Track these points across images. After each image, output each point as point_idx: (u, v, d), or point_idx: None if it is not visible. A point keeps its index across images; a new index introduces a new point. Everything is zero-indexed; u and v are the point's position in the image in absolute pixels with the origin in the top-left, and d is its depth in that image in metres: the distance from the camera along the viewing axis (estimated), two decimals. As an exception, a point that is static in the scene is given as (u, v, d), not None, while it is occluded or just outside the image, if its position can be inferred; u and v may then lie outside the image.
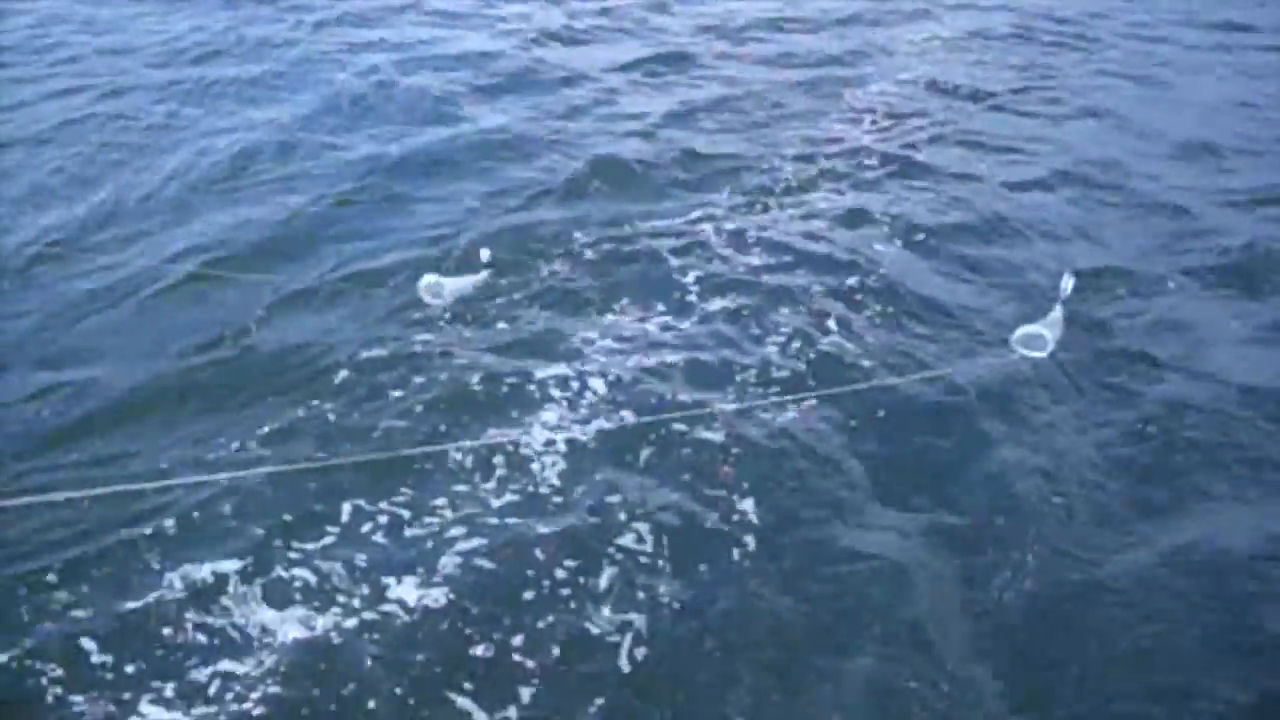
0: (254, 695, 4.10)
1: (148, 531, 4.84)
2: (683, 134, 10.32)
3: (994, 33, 14.81)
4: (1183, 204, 9.17)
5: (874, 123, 10.84)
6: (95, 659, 4.22)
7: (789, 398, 5.97)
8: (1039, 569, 4.98)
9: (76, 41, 12.68)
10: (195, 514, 4.97)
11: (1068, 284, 7.12)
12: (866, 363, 6.44)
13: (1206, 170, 10.14)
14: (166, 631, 4.36)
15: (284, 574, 4.67)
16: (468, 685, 4.22)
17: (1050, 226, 8.58)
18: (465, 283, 7.12)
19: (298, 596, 4.58)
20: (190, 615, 4.44)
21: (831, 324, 6.85)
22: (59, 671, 4.15)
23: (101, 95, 10.76)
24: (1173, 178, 9.84)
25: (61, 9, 13.93)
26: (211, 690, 4.12)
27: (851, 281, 7.42)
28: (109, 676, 4.17)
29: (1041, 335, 6.49)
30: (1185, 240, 8.49)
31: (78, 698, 4.07)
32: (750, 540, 5.01)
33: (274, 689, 4.13)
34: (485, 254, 7.35)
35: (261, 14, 13.95)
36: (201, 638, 4.36)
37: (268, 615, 4.47)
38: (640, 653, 4.39)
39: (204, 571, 4.64)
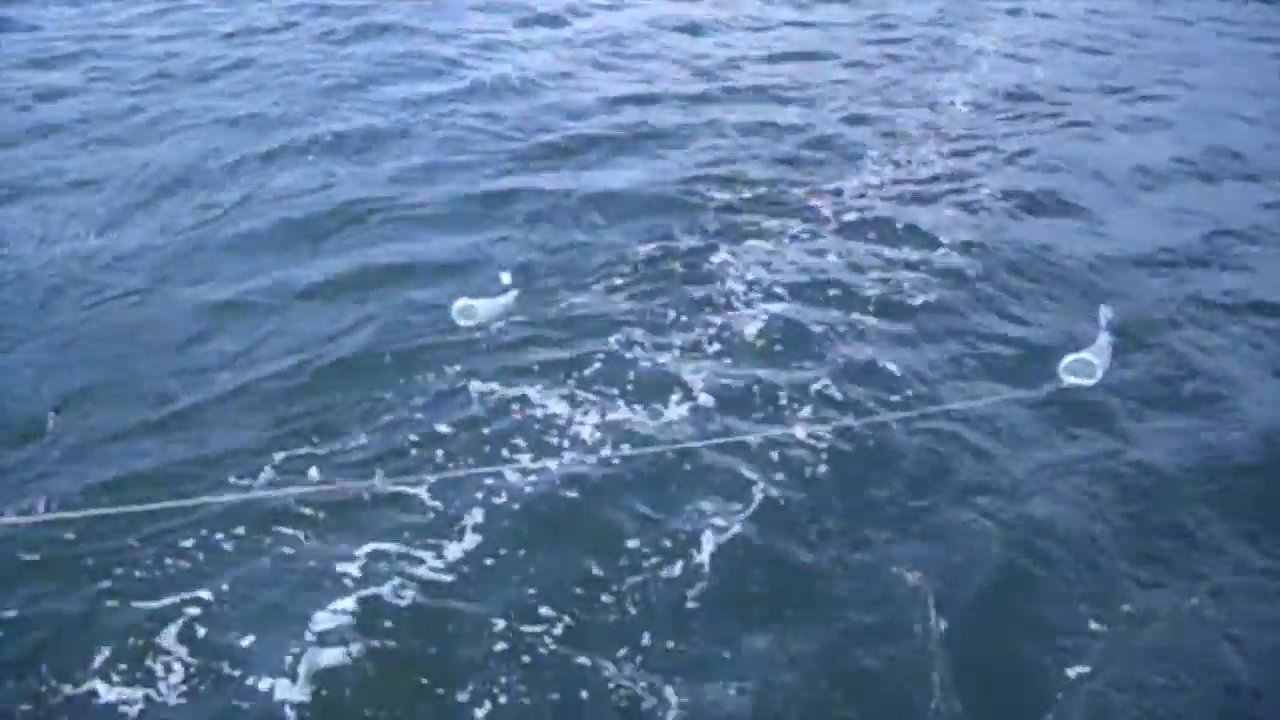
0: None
1: (162, 550, 4.76)
2: (722, 153, 10.25)
3: (1049, 47, 14.68)
4: (1242, 227, 9.06)
5: (919, 143, 10.76)
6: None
7: (829, 425, 5.85)
8: (1082, 597, 4.85)
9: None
10: (215, 534, 4.88)
11: (1107, 313, 6.98)
12: (912, 389, 6.33)
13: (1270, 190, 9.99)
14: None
15: (317, 591, 4.59)
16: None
17: (1102, 250, 8.45)
18: (499, 305, 7.05)
19: (325, 620, 4.47)
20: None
21: (875, 349, 6.75)
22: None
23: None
24: (1233, 199, 9.75)
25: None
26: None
27: (897, 305, 7.34)
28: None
29: (1090, 363, 6.34)
30: (1247, 263, 8.40)
31: None
32: (782, 569, 4.91)
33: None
34: (506, 276, 7.34)
35: (285, 37, 13.94)
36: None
37: (292, 641, 4.35)
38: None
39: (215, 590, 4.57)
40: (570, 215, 8.71)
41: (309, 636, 4.36)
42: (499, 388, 6.16)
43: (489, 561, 4.84)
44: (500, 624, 4.49)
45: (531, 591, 4.67)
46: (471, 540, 4.95)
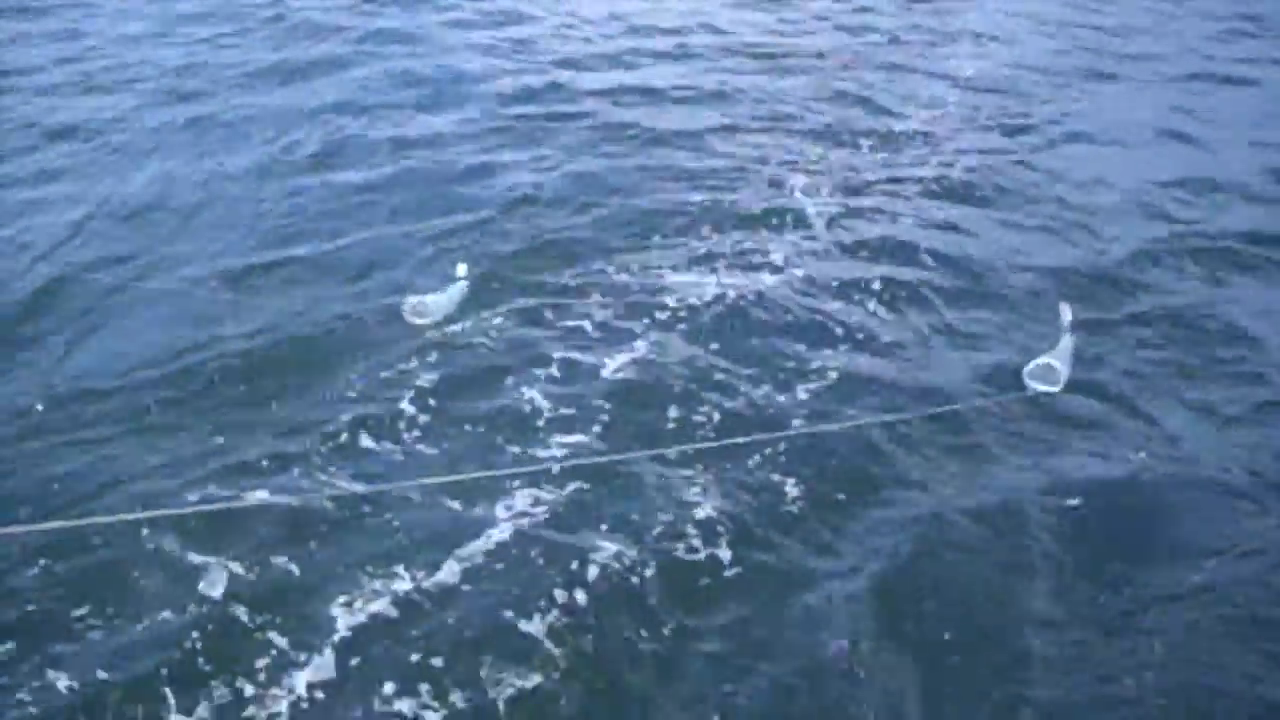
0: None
1: (131, 562, 4.59)
2: (680, 149, 9.95)
3: (1020, 60, 14.47)
4: (1214, 226, 8.99)
5: (886, 149, 10.50)
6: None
7: (790, 432, 5.72)
8: (1050, 611, 4.80)
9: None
10: (172, 547, 4.67)
11: (1067, 314, 6.95)
12: (876, 397, 6.21)
13: (1238, 193, 9.93)
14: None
15: (273, 613, 4.41)
16: None
17: (1065, 254, 8.33)
18: (449, 300, 6.80)
19: (298, 631, 4.32)
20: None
21: (838, 357, 6.61)
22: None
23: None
24: (1207, 196, 9.66)
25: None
26: None
27: (861, 313, 7.18)
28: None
29: (1053, 368, 6.31)
30: (1213, 265, 8.31)
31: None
32: (734, 571, 4.84)
33: None
34: (462, 268, 7.08)
35: (240, 37, 13.22)
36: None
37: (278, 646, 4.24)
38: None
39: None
40: (534, 204, 8.47)
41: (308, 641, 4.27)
42: (460, 389, 5.98)
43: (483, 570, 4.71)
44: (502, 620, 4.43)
45: (518, 597, 4.56)
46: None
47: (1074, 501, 5.47)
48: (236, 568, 4.61)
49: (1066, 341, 6.68)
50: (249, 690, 4.05)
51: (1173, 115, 12.28)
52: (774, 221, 8.50)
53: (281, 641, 4.28)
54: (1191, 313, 7.47)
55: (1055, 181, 9.86)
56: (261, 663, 4.17)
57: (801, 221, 8.55)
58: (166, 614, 4.37)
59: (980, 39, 15.23)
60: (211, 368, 6.02)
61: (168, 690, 4.03)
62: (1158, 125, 11.88)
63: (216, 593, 4.46)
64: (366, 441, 5.50)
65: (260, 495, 4.97)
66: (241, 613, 4.39)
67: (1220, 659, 4.60)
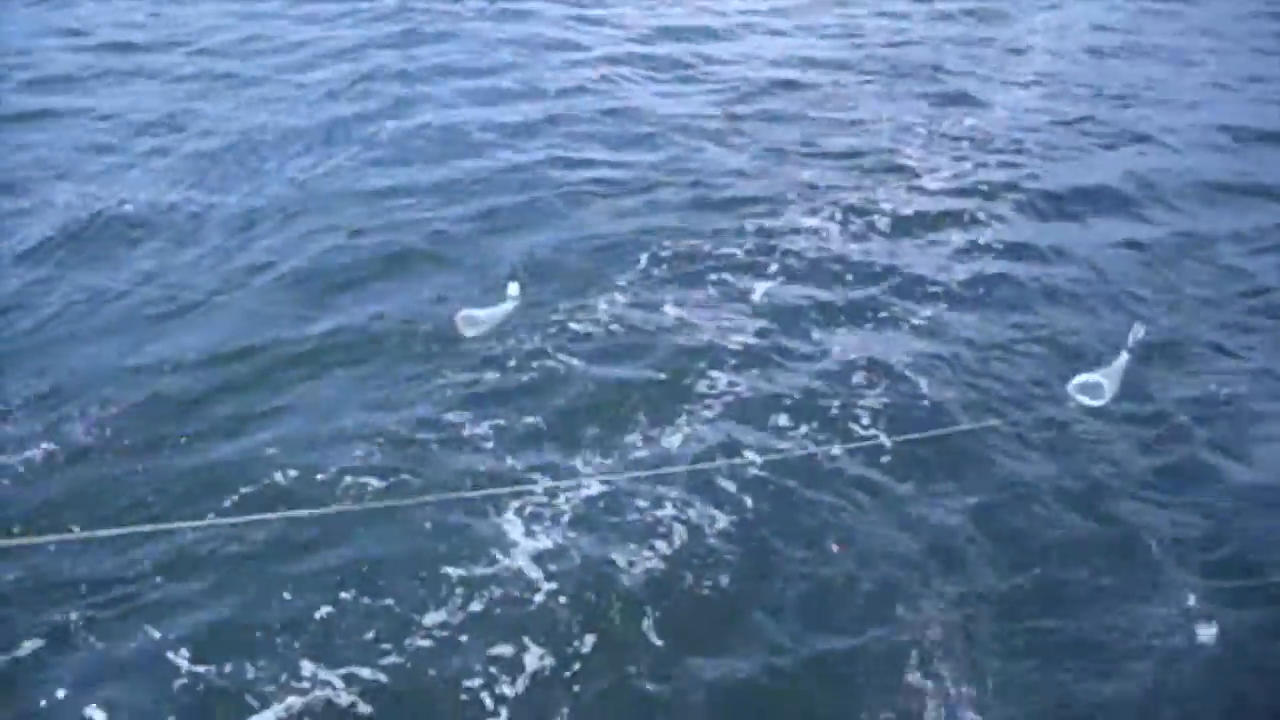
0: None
1: (164, 574, 4.77)
2: (734, 161, 10.03)
3: (1084, 64, 14.13)
4: None
5: (942, 160, 10.34)
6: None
7: (839, 446, 5.77)
8: (1081, 623, 4.78)
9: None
10: (216, 558, 4.87)
11: (1138, 333, 6.77)
12: (925, 407, 6.22)
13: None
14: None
15: (321, 619, 4.59)
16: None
17: (1130, 275, 8.02)
18: (502, 313, 6.96)
19: (339, 644, 4.49)
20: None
21: (887, 369, 6.57)
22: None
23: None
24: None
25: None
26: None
27: (915, 321, 7.16)
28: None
29: (1100, 384, 6.21)
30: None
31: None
32: (792, 593, 4.87)
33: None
34: (514, 287, 7.18)
35: (297, 36, 14.07)
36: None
37: (305, 661, 4.39)
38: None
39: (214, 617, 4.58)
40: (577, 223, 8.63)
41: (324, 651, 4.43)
42: (497, 411, 6.07)
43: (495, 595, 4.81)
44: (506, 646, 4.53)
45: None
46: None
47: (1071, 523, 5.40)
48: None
49: (1122, 360, 6.52)
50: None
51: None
52: (825, 237, 8.48)
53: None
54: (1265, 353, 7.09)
55: (1148, 194, 9.55)
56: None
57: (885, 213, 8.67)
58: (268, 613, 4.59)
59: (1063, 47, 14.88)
60: (260, 381, 6.26)
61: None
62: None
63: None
64: (409, 454, 5.63)
65: (304, 509, 4.99)
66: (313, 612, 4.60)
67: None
